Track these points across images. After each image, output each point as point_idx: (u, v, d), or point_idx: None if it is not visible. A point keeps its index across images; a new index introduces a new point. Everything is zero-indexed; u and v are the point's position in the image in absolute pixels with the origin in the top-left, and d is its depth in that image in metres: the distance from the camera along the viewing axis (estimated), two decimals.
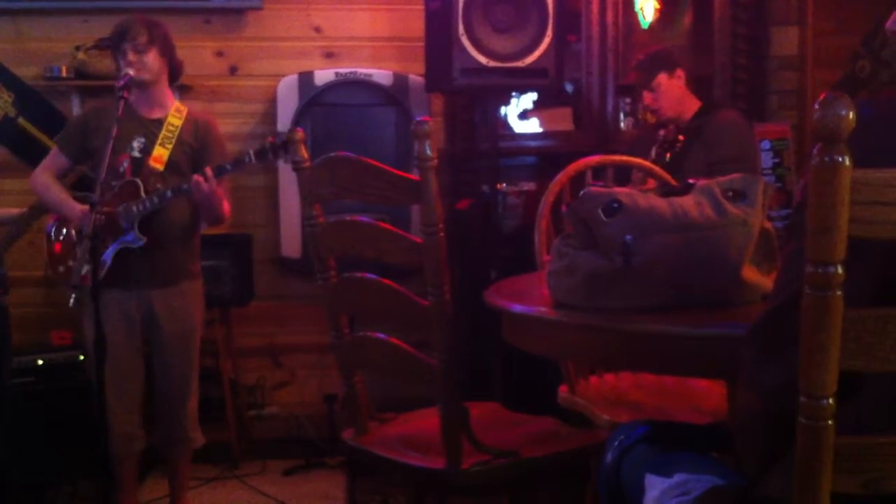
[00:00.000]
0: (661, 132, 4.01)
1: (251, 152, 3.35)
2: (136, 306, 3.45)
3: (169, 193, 3.34)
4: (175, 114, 3.50)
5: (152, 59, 3.42)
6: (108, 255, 3.36)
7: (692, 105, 3.99)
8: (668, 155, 3.87)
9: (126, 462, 3.49)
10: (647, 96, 3.99)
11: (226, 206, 3.48)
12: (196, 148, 3.50)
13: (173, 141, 3.46)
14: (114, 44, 3.42)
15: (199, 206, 3.42)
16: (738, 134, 3.80)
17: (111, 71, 3.70)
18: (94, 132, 3.47)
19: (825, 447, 1.24)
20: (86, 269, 3.27)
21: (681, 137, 3.86)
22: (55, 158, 3.56)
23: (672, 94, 3.95)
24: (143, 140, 3.43)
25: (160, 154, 3.43)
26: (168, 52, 3.50)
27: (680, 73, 3.96)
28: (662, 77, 3.92)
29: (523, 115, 4.80)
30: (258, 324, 4.70)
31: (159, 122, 3.47)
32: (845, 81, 4.52)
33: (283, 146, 3.32)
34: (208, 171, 3.30)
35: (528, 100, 4.78)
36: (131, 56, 3.38)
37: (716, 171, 3.19)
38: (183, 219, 3.49)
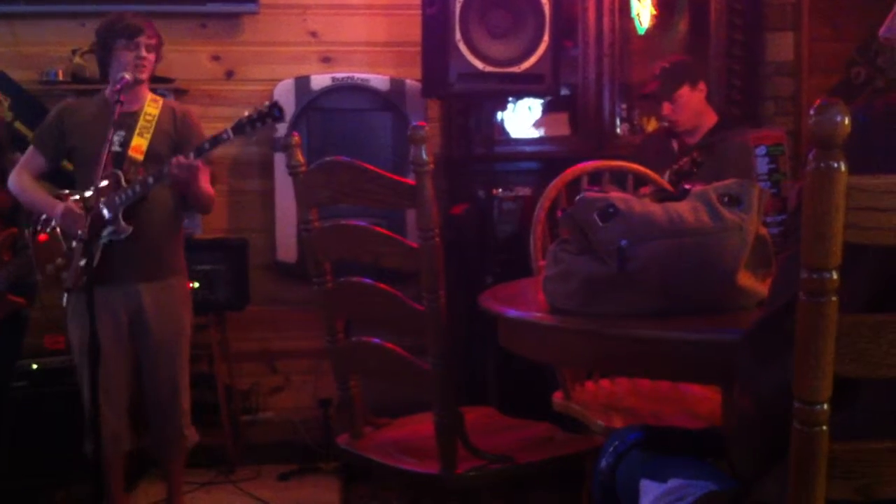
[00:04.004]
0: (674, 143, 3.99)
1: (228, 129, 3.32)
2: (124, 304, 3.43)
3: (150, 180, 3.32)
4: (151, 103, 3.49)
5: (153, 59, 3.46)
6: (97, 249, 3.33)
7: (709, 119, 3.95)
8: (683, 184, 3.84)
9: (114, 462, 3.47)
10: (666, 107, 3.95)
11: (210, 189, 3.48)
12: (176, 138, 3.48)
13: (151, 130, 3.44)
14: (117, 36, 3.37)
15: (184, 189, 3.39)
16: (745, 165, 3.77)
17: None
18: (69, 131, 3.46)
19: (819, 453, 1.24)
20: (80, 266, 3.26)
21: (695, 171, 3.84)
22: (32, 159, 3.53)
23: (692, 107, 3.91)
24: (122, 133, 3.40)
25: (139, 144, 3.41)
26: (160, 52, 3.54)
27: (702, 86, 3.93)
28: (685, 90, 3.88)
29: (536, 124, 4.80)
30: (254, 328, 4.69)
31: (136, 114, 3.45)
32: (841, 87, 4.53)
33: (261, 118, 3.31)
34: (189, 154, 3.30)
35: (524, 106, 4.78)
36: (143, 53, 3.38)
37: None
38: (166, 209, 3.47)
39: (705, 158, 3.82)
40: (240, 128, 3.32)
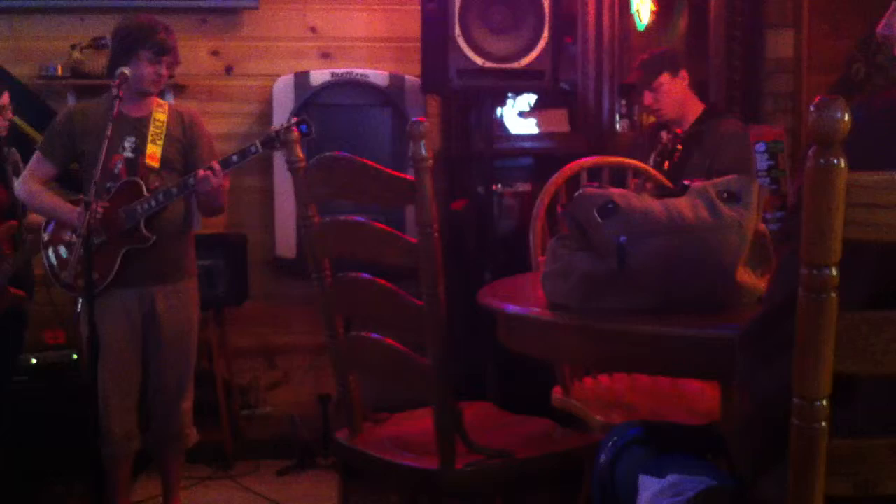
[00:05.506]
0: (663, 134, 3.98)
1: (258, 142, 3.34)
2: (138, 304, 3.44)
3: (175, 191, 3.33)
4: (158, 109, 3.49)
5: (167, 75, 3.49)
6: (119, 257, 3.35)
7: (695, 108, 3.93)
8: (666, 164, 3.84)
9: (123, 462, 3.48)
10: (647, 96, 3.93)
11: (226, 198, 3.50)
12: (185, 143, 3.49)
13: (163, 137, 3.44)
14: (142, 45, 3.35)
15: (202, 198, 3.40)
16: (740, 146, 3.77)
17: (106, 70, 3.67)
18: (81, 135, 3.42)
19: (819, 450, 1.24)
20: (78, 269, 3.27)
21: (679, 147, 3.84)
22: (40, 165, 3.48)
23: (674, 95, 3.88)
24: (133, 139, 3.41)
25: (153, 151, 3.41)
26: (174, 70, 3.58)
27: (684, 74, 3.90)
28: (665, 77, 3.86)
29: (523, 115, 4.79)
30: (252, 324, 4.69)
31: (145, 120, 3.44)
32: (840, 85, 4.53)
33: (289, 133, 3.33)
34: (216, 164, 3.29)
35: (524, 102, 4.78)
36: (164, 71, 3.41)
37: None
38: (179, 215, 3.49)
39: (693, 148, 3.82)
40: (269, 141, 3.33)
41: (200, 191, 3.32)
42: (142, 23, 3.42)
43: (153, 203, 3.34)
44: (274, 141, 3.32)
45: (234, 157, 3.35)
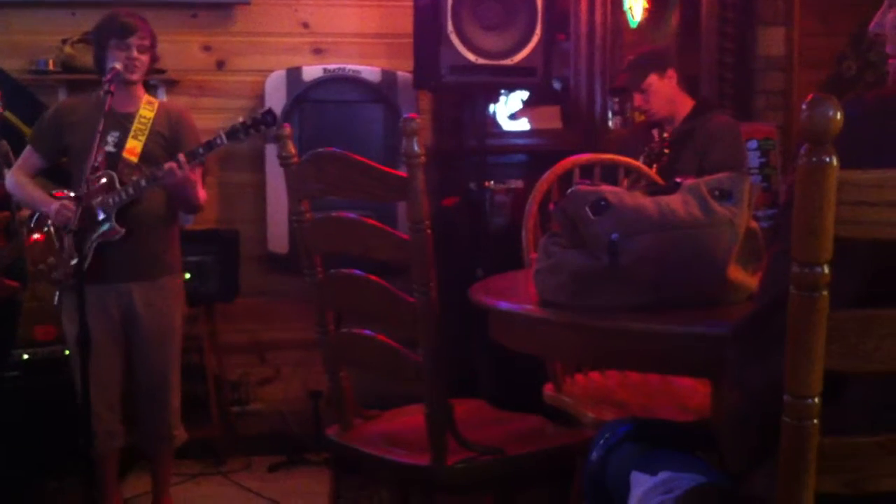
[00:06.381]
0: (654, 132, 3.99)
1: (222, 133, 3.34)
2: (116, 301, 3.43)
3: (143, 182, 3.33)
4: (146, 106, 3.49)
5: (146, 60, 3.45)
6: (89, 249, 3.34)
7: (685, 105, 3.93)
8: (655, 167, 3.84)
9: (108, 459, 3.48)
10: (637, 98, 3.94)
11: (201, 193, 3.47)
12: (169, 138, 3.49)
13: (146, 133, 3.45)
14: (109, 35, 3.37)
15: (173, 193, 3.40)
16: (731, 140, 3.78)
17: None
18: (68, 129, 3.46)
19: (809, 447, 1.24)
20: (71, 263, 3.26)
21: (667, 150, 3.84)
22: (29, 158, 3.54)
23: (663, 94, 3.89)
24: (116, 134, 3.41)
25: (133, 146, 3.42)
26: (155, 53, 3.53)
27: (671, 73, 3.91)
28: (653, 78, 3.87)
29: (514, 117, 4.80)
30: (243, 320, 4.68)
31: (131, 116, 3.45)
32: (832, 82, 4.55)
33: (255, 124, 3.34)
34: (181, 157, 3.29)
35: (517, 99, 4.78)
36: (135, 53, 3.39)
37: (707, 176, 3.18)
38: (159, 210, 3.48)
39: (685, 144, 3.83)
40: (234, 133, 3.35)
41: (168, 183, 3.32)
42: (110, 14, 3.45)
43: (123, 195, 3.34)
44: (238, 132, 3.34)
45: (200, 150, 3.34)
